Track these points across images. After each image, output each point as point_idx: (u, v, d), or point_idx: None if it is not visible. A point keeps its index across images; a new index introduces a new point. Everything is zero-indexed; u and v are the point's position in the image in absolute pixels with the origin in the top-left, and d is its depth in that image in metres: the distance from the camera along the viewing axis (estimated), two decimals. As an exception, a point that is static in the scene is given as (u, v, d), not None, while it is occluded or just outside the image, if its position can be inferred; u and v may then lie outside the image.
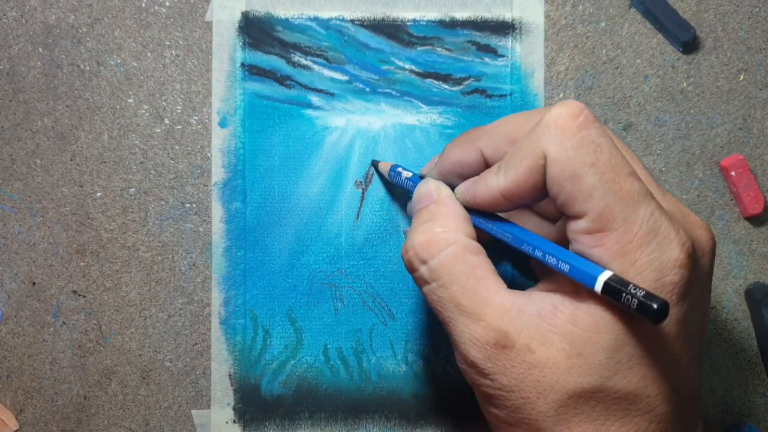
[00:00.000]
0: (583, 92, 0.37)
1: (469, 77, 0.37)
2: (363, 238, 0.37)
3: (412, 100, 0.37)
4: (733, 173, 0.37)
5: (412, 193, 0.31)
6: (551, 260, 0.25)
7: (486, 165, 0.30)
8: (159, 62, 0.37)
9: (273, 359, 0.37)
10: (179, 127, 0.37)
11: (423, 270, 0.28)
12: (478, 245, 0.28)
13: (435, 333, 0.37)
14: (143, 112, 0.37)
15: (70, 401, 0.36)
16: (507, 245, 0.28)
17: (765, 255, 0.37)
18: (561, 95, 0.37)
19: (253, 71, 0.37)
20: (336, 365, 0.37)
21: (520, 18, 0.37)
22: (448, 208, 0.29)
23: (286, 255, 0.37)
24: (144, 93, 0.37)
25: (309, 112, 0.37)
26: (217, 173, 0.37)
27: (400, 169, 0.34)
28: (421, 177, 0.32)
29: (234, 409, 0.37)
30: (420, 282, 0.28)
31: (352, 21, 0.37)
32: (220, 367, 0.37)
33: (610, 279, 0.23)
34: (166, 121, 0.37)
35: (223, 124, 0.37)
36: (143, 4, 0.37)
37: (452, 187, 0.30)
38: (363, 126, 0.37)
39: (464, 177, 0.30)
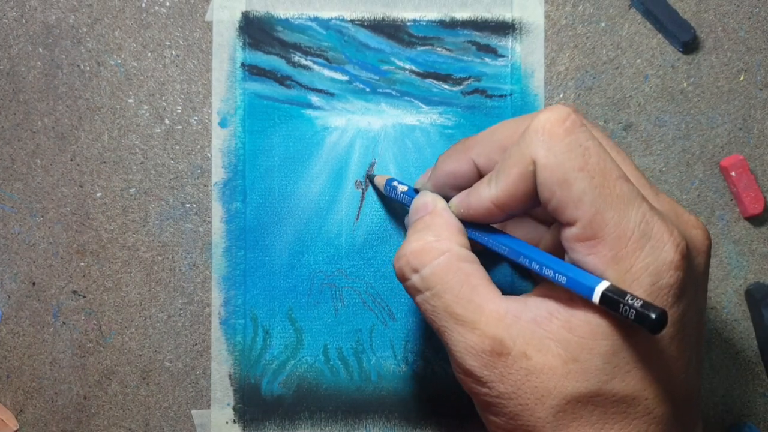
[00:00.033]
0: (583, 92, 0.37)
1: (469, 77, 0.37)
2: (363, 238, 0.37)
3: (412, 100, 0.37)
4: (733, 173, 0.37)
5: (407, 207, 0.31)
6: (548, 272, 0.25)
7: (479, 175, 0.29)
8: (159, 62, 0.37)
9: (273, 359, 0.37)
10: (179, 127, 0.37)
11: (415, 279, 0.27)
12: (471, 254, 0.28)
13: (435, 333, 0.37)
14: (143, 112, 0.37)
15: (70, 401, 0.36)
16: (504, 257, 0.28)
17: (765, 255, 0.37)
18: (561, 95, 0.37)
19: (253, 71, 0.37)
20: (336, 365, 0.37)
21: (520, 18, 0.37)
22: (441, 219, 0.29)
23: (286, 255, 0.37)
24: (144, 93, 0.37)
25: (309, 112, 0.37)
26: (217, 173, 0.37)
27: (395, 183, 0.34)
28: (416, 191, 0.32)
29: (234, 409, 0.37)
30: (412, 291, 0.28)
31: (352, 21, 0.37)
32: (220, 367, 0.37)
33: (607, 290, 0.23)
34: (167, 121, 0.37)
35: (223, 124, 0.37)
36: (143, 4, 0.37)
37: (447, 200, 0.30)
38: (363, 126, 0.37)
39: (459, 188, 0.30)
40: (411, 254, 0.27)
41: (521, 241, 0.27)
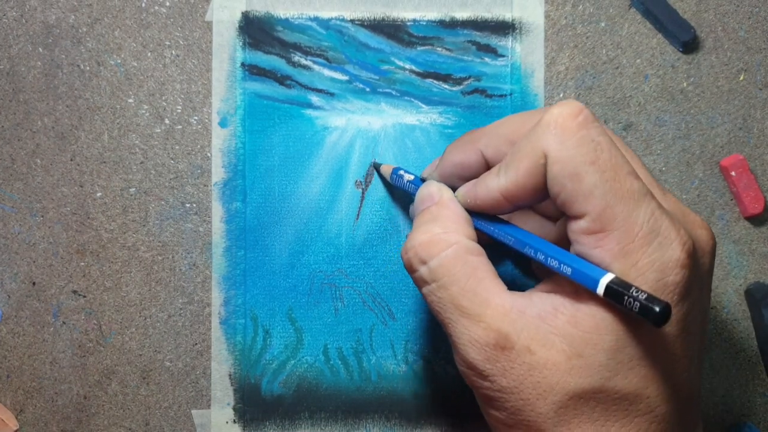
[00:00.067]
0: (583, 92, 0.37)
1: (469, 77, 0.37)
2: (363, 238, 0.37)
3: (412, 100, 0.37)
4: (733, 173, 0.37)
5: (413, 196, 0.31)
6: (553, 263, 0.25)
7: (487, 166, 0.29)
8: (159, 62, 0.37)
9: (273, 359, 0.37)
10: (179, 127, 0.37)
11: (423, 270, 0.27)
12: (478, 247, 0.28)
13: (435, 333, 0.37)
14: (143, 112, 0.37)
15: (70, 401, 0.36)
16: (509, 248, 0.28)
17: (765, 255, 0.37)
18: (561, 95, 0.37)
19: (253, 71, 0.37)
20: (336, 365, 0.37)
21: (520, 18, 0.37)
22: (449, 210, 0.29)
23: (286, 255, 0.37)
24: (144, 93, 0.37)
25: (309, 112, 0.37)
26: (218, 173, 0.37)
27: (402, 172, 0.34)
28: (423, 180, 0.32)
29: (234, 409, 0.37)
30: (419, 283, 0.28)
31: (352, 21, 0.37)
32: (220, 367, 0.37)
33: (612, 282, 0.23)
34: (167, 121, 0.37)
35: (223, 124, 0.37)
36: (143, 4, 0.37)
37: (454, 190, 0.30)
38: (363, 126, 0.37)
39: (465, 179, 0.30)
40: (419, 246, 0.28)
41: (527, 231, 0.27)
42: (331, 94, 0.37)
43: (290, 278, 0.37)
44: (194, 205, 0.37)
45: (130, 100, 0.37)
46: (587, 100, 0.37)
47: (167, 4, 0.37)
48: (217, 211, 0.37)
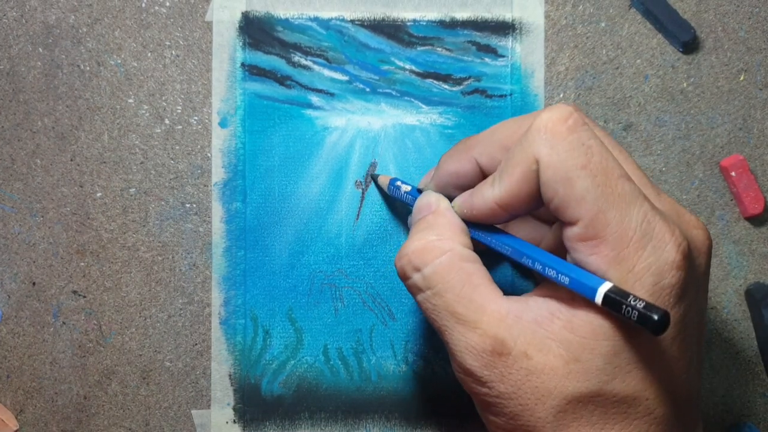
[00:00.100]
0: (583, 92, 0.37)
1: (469, 77, 0.37)
2: (363, 238, 0.37)
3: (412, 100, 0.37)
4: (733, 173, 0.37)
5: (411, 207, 0.31)
6: (551, 273, 0.25)
7: (482, 174, 0.29)
8: (159, 62, 0.37)
9: (273, 359, 0.37)
10: (179, 127, 0.37)
11: (416, 278, 0.27)
12: (473, 254, 0.28)
13: (435, 333, 0.37)
14: (143, 112, 0.37)
15: (70, 401, 0.36)
16: (506, 257, 0.28)
17: (765, 255, 0.37)
18: (561, 95, 0.37)
19: (253, 71, 0.37)
20: (336, 365, 0.37)
21: (520, 18, 0.37)
22: (444, 218, 0.29)
23: (286, 255, 0.37)
24: (144, 93, 0.37)
25: (309, 112, 0.37)
26: (217, 173, 0.37)
27: (399, 183, 0.34)
28: (419, 191, 0.32)
29: (234, 409, 0.37)
30: (413, 290, 0.28)
31: (352, 21, 0.37)
32: (220, 367, 0.37)
33: (609, 291, 0.23)
34: (167, 121, 0.37)
35: (223, 124, 0.37)
36: (143, 4, 0.37)
37: (450, 200, 0.30)
38: (363, 126, 0.37)
39: (462, 188, 0.30)
40: (413, 253, 0.27)
41: (524, 241, 0.27)
42: (331, 95, 0.37)
43: (290, 278, 0.37)
44: (194, 205, 0.37)
45: (130, 101, 0.37)
46: (587, 101, 0.37)
47: (167, 4, 0.37)
48: (217, 211, 0.37)
